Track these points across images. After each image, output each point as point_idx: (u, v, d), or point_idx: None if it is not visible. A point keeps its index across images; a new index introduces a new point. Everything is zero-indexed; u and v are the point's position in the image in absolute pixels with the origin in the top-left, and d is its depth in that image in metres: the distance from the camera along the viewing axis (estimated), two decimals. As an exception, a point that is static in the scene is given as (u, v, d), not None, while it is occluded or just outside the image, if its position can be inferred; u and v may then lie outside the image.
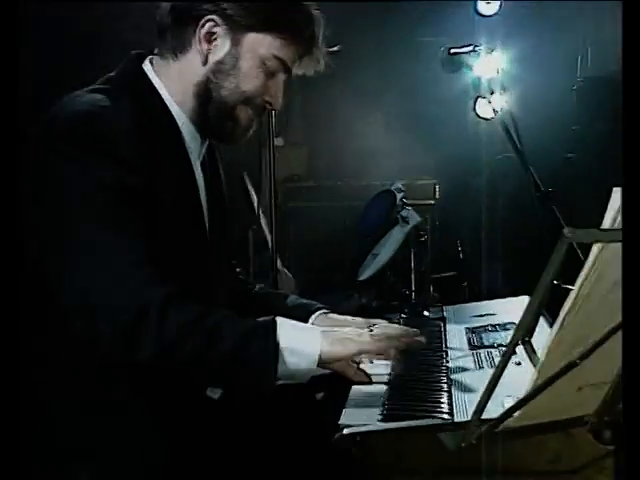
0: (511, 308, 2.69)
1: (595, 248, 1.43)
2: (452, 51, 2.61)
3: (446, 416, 1.90)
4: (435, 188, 6.25)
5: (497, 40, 5.50)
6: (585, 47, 6.23)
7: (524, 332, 1.52)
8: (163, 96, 2.20)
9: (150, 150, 2.04)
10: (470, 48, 2.59)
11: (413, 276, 4.29)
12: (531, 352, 1.55)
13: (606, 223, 1.44)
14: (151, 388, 2.03)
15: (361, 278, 4.31)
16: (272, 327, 1.97)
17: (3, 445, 1.68)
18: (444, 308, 2.91)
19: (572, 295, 1.46)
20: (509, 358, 1.50)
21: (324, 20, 2.24)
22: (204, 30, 2.15)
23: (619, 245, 1.45)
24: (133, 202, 1.97)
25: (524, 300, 2.79)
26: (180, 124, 2.21)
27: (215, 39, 2.16)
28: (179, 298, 1.93)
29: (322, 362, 2.01)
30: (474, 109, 6.32)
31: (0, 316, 1.73)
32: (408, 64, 6.38)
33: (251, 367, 1.94)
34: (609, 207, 1.44)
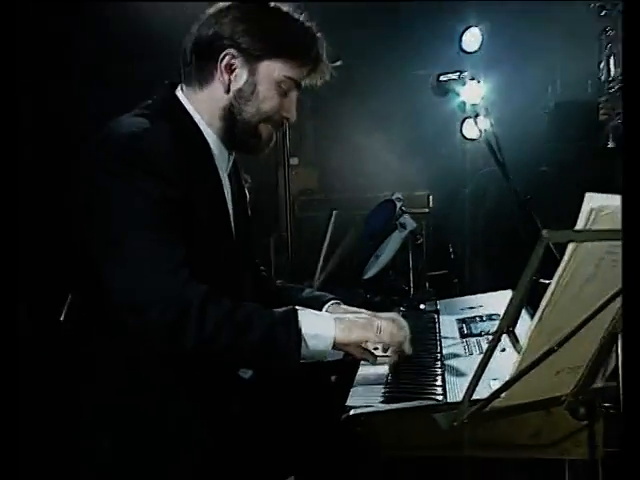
0: (496, 301, 2.64)
1: (570, 247, 1.38)
2: (440, 78, 2.54)
3: (440, 397, 1.85)
4: (429, 198, 6.25)
5: (480, 71, 5.57)
6: (554, 77, 6.23)
7: (508, 323, 1.45)
8: (195, 118, 2.17)
9: (186, 166, 2.03)
10: (456, 75, 2.52)
11: (411, 274, 4.25)
12: (515, 341, 1.48)
13: (579, 225, 1.37)
14: (191, 376, 2.01)
15: (365, 277, 4.26)
16: (294, 316, 1.97)
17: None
18: (438, 302, 2.85)
19: (550, 290, 1.42)
20: (495, 346, 1.45)
21: (324, 39, 2.21)
22: (224, 63, 2.12)
23: (591, 244, 1.40)
24: (173, 212, 1.96)
25: (507, 294, 2.74)
26: (210, 142, 2.19)
27: (234, 70, 2.13)
28: (215, 295, 1.92)
29: (336, 344, 2.01)
30: (461, 131, 6.35)
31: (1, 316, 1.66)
32: (405, 93, 6.34)
33: (279, 351, 1.94)
34: (582, 210, 1.38)
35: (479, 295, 2.83)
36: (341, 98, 6.30)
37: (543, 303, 1.42)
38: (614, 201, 1.38)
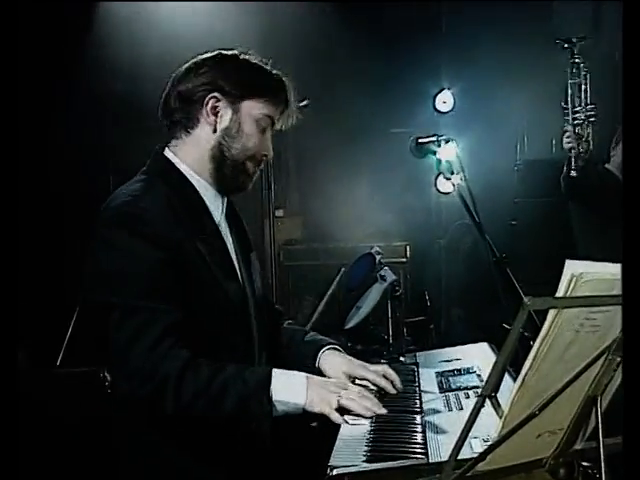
0: (474, 353, 2.57)
1: (551, 314, 1.31)
2: (419, 141, 2.48)
3: (422, 457, 1.74)
4: (406, 249, 6.22)
5: (453, 130, 5.59)
6: (522, 136, 6.26)
7: (491, 388, 1.35)
8: (184, 173, 2.20)
9: (181, 221, 2.06)
10: (434, 138, 2.47)
11: (390, 323, 4.16)
12: (497, 406, 1.39)
13: (560, 291, 1.31)
14: (179, 433, 2.02)
15: (347, 326, 4.18)
16: (267, 384, 1.97)
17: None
18: (417, 354, 2.75)
19: (531, 355, 1.35)
20: (479, 410, 1.35)
21: (293, 84, 2.26)
22: (209, 106, 2.16)
23: (572, 310, 1.32)
24: (165, 275, 1.98)
25: (483, 347, 2.66)
26: (202, 189, 2.20)
27: (219, 111, 2.17)
28: (193, 362, 1.94)
29: (306, 411, 2.00)
30: (435, 185, 6.34)
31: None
32: (383, 149, 6.37)
33: (251, 418, 2.01)
34: (562, 277, 1.30)
35: (457, 347, 2.74)
36: (323, 154, 6.32)
37: (525, 369, 1.35)
38: (594, 268, 1.32)
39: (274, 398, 1.95)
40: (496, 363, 1.34)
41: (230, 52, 2.23)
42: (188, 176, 2.18)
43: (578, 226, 4.53)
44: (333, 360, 2.29)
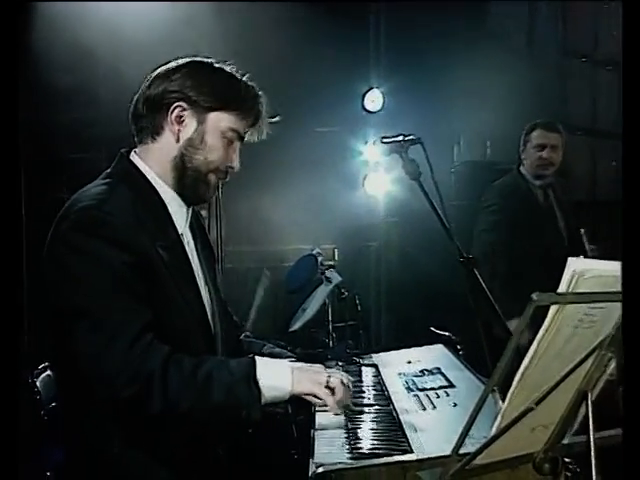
0: (433, 355, 2.66)
1: (552, 310, 1.40)
2: (383, 140, 2.56)
3: (409, 452, 1.83)
4: (334, 252, 6.27)
5: (383, 130, 5.65)
6: (458, 137, 6.38)
7: (494, 385, 1.45)
8: (149, 178, 2.23)
9: (144, 227, 2.09)
10: (400, 138, 2.55)
11: (330, 326, 4.24)
12: (499, 399, 1.49)
13: (562, 287, 1.40)
14: (150, 441, 2.07)
15: (291, 329, 4.24)
16: (252, 369, 2.04)
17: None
18: (372, 356, 2.84)
19: (531, 351, 1.44)
20: (482, 405, 1.44)
21: (266, 98, 2.31)
22: (174, 114, 2.20)
23: (572, 306, 1.43)
24: (134, 277, 2.01)
25: (440, 348, 2.77)
26: (167, 198, 2.23)
27: (183, 120, 2.20)
28: (175, 356, 1.99)
29: (292, 394, 2.08)
30: (363, 186, 6.43)
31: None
32: (308, 148, 6.40)
33: (241, 407, 2.02)
34: (564, 274, 1.41)
35: (412, 349, 2.85)
36: (247, 153, 6.29)
37: (524, 364, 1.44)
38: (595, 265, 1.43)
39: (261, 383, 2.02)
40: (501, 360, 1.42)
41: (205, 60, 2.28)
42: (153, 182, 2.22)
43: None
44: None
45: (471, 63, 5.68)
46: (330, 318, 4.26)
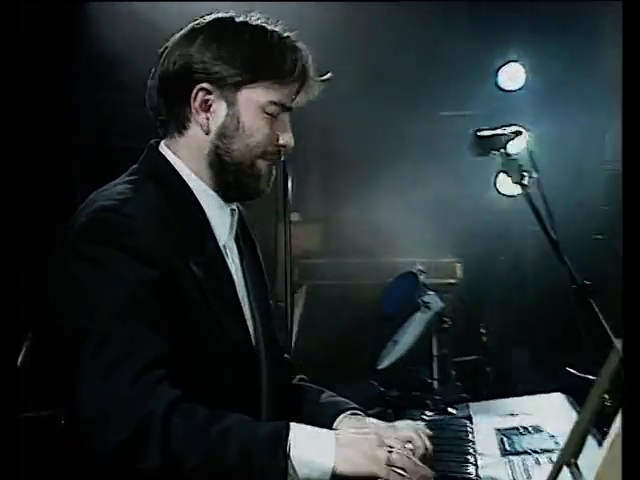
0: (545, 406, 2.58)
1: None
2: (479, 134, 2.47)
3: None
4: (456, 267, 6.18)
5: (522, 115, 5.52)
6: (611, 123, 6.12)
7: (570, 453, 1.38)
8: (182, 174, 2.21)
9: (174, 236, 2.07)
10: (499, 131, 2.46)
11: (435, 364, 4.17)
12: (577, 475, 1.40)
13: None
14: None
15: (380, 367, 4.17)
16: (284, 436, 1.88)
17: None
18: (470, 405, 2.76)
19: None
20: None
21: (309, 51, 2.23)
22: (198, 101, 2.16)
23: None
24: (150, 298, 1.96)
25: (557, 397, 2.67)
26: (203, 198, 2.21)
27: (210, 105, 2.17)
28: (185, 404, 1.88)
29: (334, 475, 1.89)
30: (495, 186, 6.30)
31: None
32: (429, 137, 6.35)
33: (259, 478, 1.85)
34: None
35: (523, 398, 2.77)
36: (353, 145, 6.27)
37: (615, 429, 1.36)
38: None
39: (292, 453, 1.85)
40: (579, 420, 1.36)
41: (226, 16, 2.22)
42: (186, 178, 2.20)
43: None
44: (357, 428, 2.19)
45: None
46: (436, 353, 4.18)
